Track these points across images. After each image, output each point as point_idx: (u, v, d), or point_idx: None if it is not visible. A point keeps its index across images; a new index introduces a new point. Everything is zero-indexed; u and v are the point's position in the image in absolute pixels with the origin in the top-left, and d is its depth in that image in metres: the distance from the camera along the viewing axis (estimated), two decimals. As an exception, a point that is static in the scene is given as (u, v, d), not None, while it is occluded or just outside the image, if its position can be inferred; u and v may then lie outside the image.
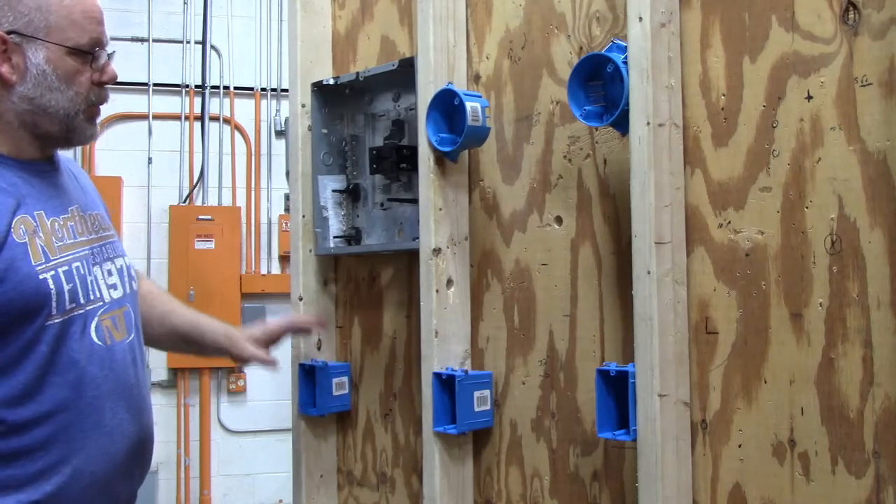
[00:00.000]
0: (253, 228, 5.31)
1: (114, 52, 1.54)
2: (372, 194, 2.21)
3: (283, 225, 5.24)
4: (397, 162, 2.03)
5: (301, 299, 2.22)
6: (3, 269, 1.36)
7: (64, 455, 1.42)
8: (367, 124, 2.23)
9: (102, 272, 1.54)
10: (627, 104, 1.56)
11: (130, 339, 1.56)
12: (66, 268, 1.44)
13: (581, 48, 1.77)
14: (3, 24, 1.41)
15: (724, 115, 1.56)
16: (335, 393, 2.17)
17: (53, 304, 1.41)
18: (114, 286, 1.55)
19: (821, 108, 1.45)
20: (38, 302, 1.39)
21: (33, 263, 1.39)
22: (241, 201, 5.32)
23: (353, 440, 2.24)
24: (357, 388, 2.23)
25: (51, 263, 1.42)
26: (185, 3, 5.25)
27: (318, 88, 2.20)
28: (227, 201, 5.29)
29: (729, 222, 1.55)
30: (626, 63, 1.57)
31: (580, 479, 1.76)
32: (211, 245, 5.09)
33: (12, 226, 1.38)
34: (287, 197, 5.18)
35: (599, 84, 1.65)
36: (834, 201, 1.43)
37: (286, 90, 4.84)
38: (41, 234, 1.43)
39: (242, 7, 5.38)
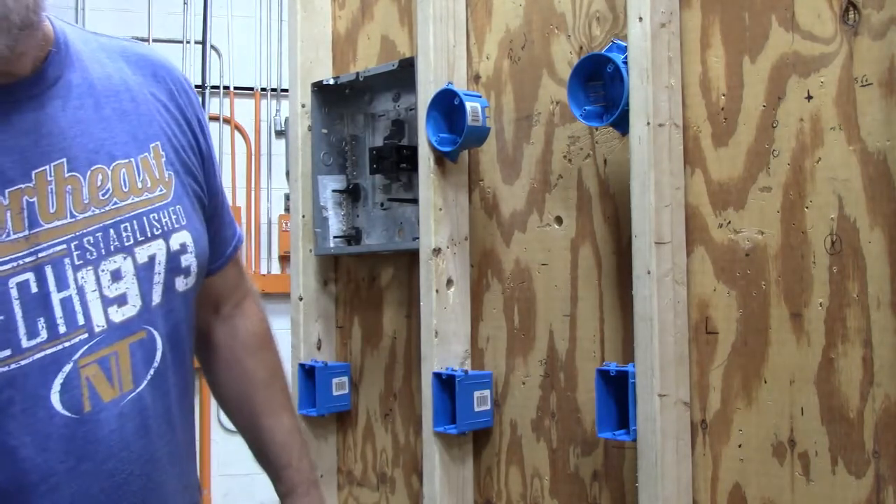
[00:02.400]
0: (253, 228, 5.31)
1: None
2: (372, 194, 2.21)
3: (283, 225, 5.24)
4: (397, 162, 2.03)
5: (301, 299, 2.22)
6: None
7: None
8: (367, 124, 2.23)
9: (97, 276, 0.94)
10: (627, 104, 1.56)
11: (139, 390, 0.96)
12: None
13: (581, 48, 1.77)
14: None
15: (724, 115, 1.56)
16: (335, 393, 2.17)
17: None
18: (119, 299, 0.95)
19: (821, 108, 1.45)
20: None
21: None
22: (241, 201, 5.31)
23: (353, 440, 2.24)
24: (357, 388, 2.23)
25: None
26: (185, 3, 5.25)
27: (318, 88, 2.20)
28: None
29: (729, 222, 1.55)
30: (626, 63, 1.57)
31: (580, 479, 1.76)
32: (211, 245, 5.09)
33: None
34: (287, 197, 5.18)
35: (599, 84, 1.65)
36: (834, 201, 1.43)
37: (286, 90, 4.83)
38: None
39: (242, 7, 5.38)
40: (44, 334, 0.88)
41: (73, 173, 0.94)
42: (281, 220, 5.29)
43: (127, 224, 0.97)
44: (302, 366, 2.19)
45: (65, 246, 0.91)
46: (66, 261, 0.91)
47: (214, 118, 5.29)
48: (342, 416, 2.26)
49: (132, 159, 1.00)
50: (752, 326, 1.52)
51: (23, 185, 0.90)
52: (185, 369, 1.05)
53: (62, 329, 0.89)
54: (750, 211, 1.52)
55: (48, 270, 0.89)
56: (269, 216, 5.36)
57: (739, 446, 1.53)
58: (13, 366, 0.86)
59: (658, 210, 1.53)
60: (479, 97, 1.88)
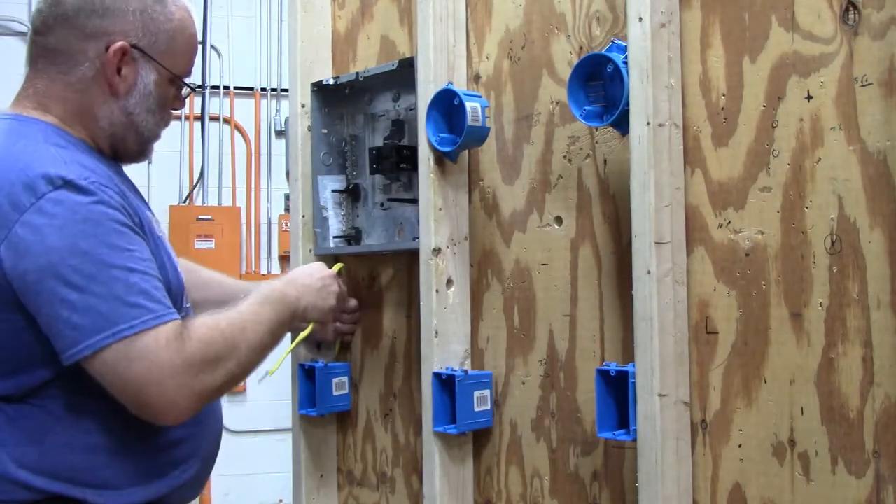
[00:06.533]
0: (253, 228, 5.31)
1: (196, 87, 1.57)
2: (372, 194, 2.21)
3: (283, 225, 5.25)
4: (397, 162, 2.03)
5: (301, 299, 2.22)
6: (160, 254, 1.37)
7: (195, 447, 1.49)
8: (367, 124, 2.23)
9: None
10: (627, 104, 1.56)
11: None
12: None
13: (581, 48, 1.77)
14: (130, 36, 1.40)
15: (724, 115, 1.56)
16: (335, 393, 2.17)
17: (183, 297, 1.46)
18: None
19: (821, 108, 1.45)
20: (179, 292, 1.43)
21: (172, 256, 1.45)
22: (241, 201, 5.32)
23: (353, 440, 2.24)
24: (357, 388, 2.23)
25: (174, 261, 1.46)
26: (185, 3, 5.25)
27: (318, 88, 2.20)
28: (227, 201, 5.29)
29: (729, 222, 1.55)
30: (626, 63, 1.57)
31: (580, 479, 1.76)
32: (211, 245, 5.09)
33: (150, 220, 1.41)
34: (287, 197, 5.19)
35: (599, 84, 1.65)
36: (834, 201, 1.43)
37: (286, 90, 4.83)
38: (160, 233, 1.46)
39: (242, 7, 5.38)
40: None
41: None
42: (281, 220, 5.30)
43: None
44: (302, 366, 2.19)
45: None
46: None
47: (214, 118, 5.30)
48: (342, 416, 2.26)
49: None
50: (752, 326, 1.52)
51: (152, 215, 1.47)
52: None
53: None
54: (750, 211, 1.52)
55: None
56: (269, 216, 5.36)
57: (739, 446, 1.53)
58: (187, 309, 1.48)
59: (658, 210, 1.53)
60: (479, 97, 1.88)
